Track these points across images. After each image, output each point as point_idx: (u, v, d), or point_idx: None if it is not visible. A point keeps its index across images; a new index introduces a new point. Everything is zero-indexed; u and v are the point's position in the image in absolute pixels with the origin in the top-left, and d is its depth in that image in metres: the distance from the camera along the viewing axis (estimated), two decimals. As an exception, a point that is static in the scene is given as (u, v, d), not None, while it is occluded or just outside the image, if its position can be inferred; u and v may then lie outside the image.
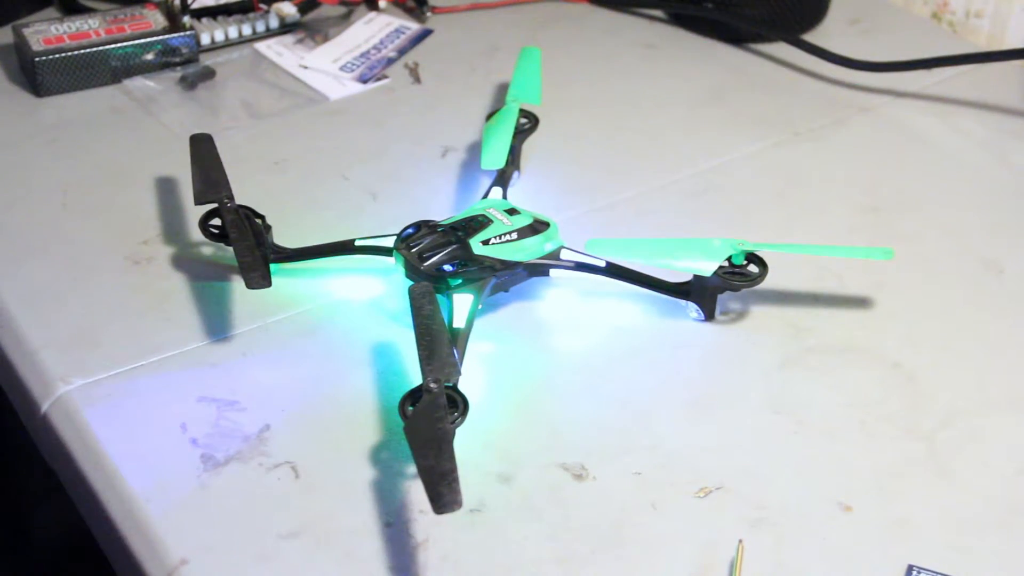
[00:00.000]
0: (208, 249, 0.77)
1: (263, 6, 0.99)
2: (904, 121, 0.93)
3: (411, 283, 0.66)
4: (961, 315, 0.75)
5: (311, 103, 0.93)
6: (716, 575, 0.59)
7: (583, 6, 1.06)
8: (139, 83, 0.93)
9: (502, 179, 0.80)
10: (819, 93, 0.96)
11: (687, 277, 0.73)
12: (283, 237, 0.75)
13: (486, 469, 0.64)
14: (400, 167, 0.86)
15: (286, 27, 1.00)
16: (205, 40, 0.96)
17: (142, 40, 0.93)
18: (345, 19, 1.02)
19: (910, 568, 0.59)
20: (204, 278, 0.75)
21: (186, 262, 0.77)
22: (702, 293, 0.72)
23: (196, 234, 0.76)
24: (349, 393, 0.68)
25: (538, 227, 0.73)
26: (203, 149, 0.75)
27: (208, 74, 0.95)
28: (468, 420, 0.61)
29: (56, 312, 0.73)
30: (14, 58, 0.94)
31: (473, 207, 0.74)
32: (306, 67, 0.96)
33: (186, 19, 0.95)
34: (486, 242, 0.71)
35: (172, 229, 0.79)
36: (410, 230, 0.72)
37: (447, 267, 0.69)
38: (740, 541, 0.59)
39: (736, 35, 1.01)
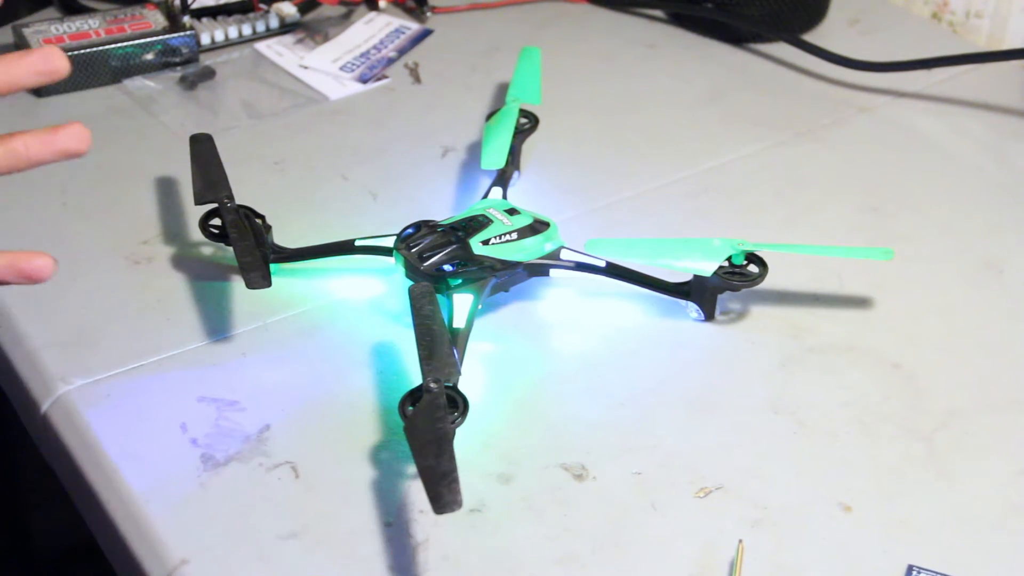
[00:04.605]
0: (208, 249, 0.77)
1: (263, 6, 0.99)
2: (904, 121, 0.93)
3: (411, 283, 0.66)
4: (961, 315, 0.75)
5: (311, 103, 0.93)
6: (716, 575, 0.59)
7: (583, 6, 1.06)
8: (139, 83, 0.93)
9: (502, 179, 0.80)
10: (819, 93, 0.96)
11: (687, 277, 0.73)
12: (283, 237, 0.75)
13: (486, 469, 0.64)
14: (400, 167, 0.86)
15: (286, 27, 1.00)
16: (205, 40, 0.96)
17: (142, 40, 0.93)
18: (345, 19, 1.02)
19: (910, 568, 0.59)
20: (204, 278, 0.75)
21: (186, 262, 0.77)
22: (702, 293, 0.72)
23: (196, 234, 0.76)
24: (349, 393, 0.68)
25: (538, 227, 0.73)
26: (203, 149, 0.75)
27: (208, 74, 0.95)
28: (468, 420, 0.61)
29: (56, 312, 0.73)
30: (14, 58, 0.94)
31: (473, 207, 0.74)
32: (306, 67, 0.96)
33: (186, 19, 0.95)
34: (486, 242, 0.71)
35: (172, 229, 0.79)
36: (410, 230, 0.72)
37: (447, 267, 0.69)
38: (740, 541, 0.59)
39: (736, 35, 1.01)
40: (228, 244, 0.73)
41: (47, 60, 0.55)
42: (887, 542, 0.61)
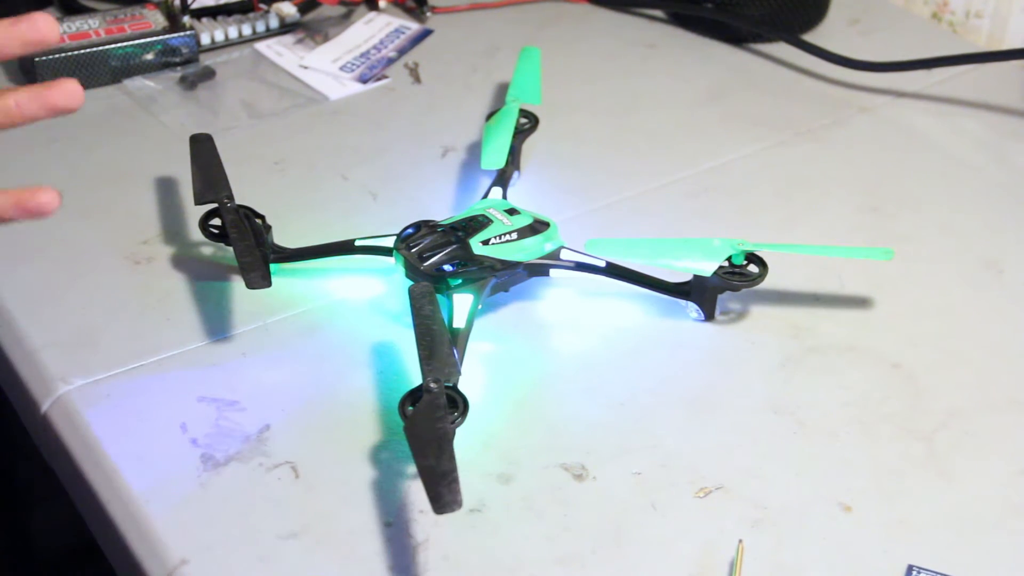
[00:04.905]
0: (208, 249, 0.77)
1: (263, 6, 0.99)
2: (904, 121, 0.93)
3: (411, 283, 0.66)
4: (961, 315, 0.75)
5: (311, 103, 0.93)
6: (716, 575, 0.59)
7: (583, 6, 1.06)
8: (139, 83, 0.93)
9: (502, 179, 0.80)
10: (819, 93, 0.96)
11: (687, 277, 0.73)
12: (283, 237, 0.75)
13: (486, 469, 0.64)
14: (400, 167, 0.86)
15: (286, 27, 1.00)
16: (205, 40, 0.96)
17: (142, 40, 0.93)
18: (345, 19, 1.02)
19: (910, 568, 0.59)
20: (204, 278, 0.75)
21: (186, 262, 0.77)
22: (702, 293, 0.72)
23: (196, 234, 0.76)
24: (349, 393, 0.68)
25: (538, 227, 0.73)
26: (203, 149, 0.75)
27: (208, 74, 0.95)
28: (468, 420, 0.61)
29: (56, 312, 0.73)
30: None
31: (473, 207, 0.74)
32: (306, 67, 0.96)
33: (186, 19, 0.95)
34: (486, 242, 0.71)
35: (172, 229, 0.79)
36: (410, 230, 0.72)
37: (447, 267, 0.69)
38: (740, 541, 0.59)
39: (736, 35, 1.01)
40: (228, 244, 0.73)
41: (34, 27, 0.55)
42: (887, 542, 0.61)
